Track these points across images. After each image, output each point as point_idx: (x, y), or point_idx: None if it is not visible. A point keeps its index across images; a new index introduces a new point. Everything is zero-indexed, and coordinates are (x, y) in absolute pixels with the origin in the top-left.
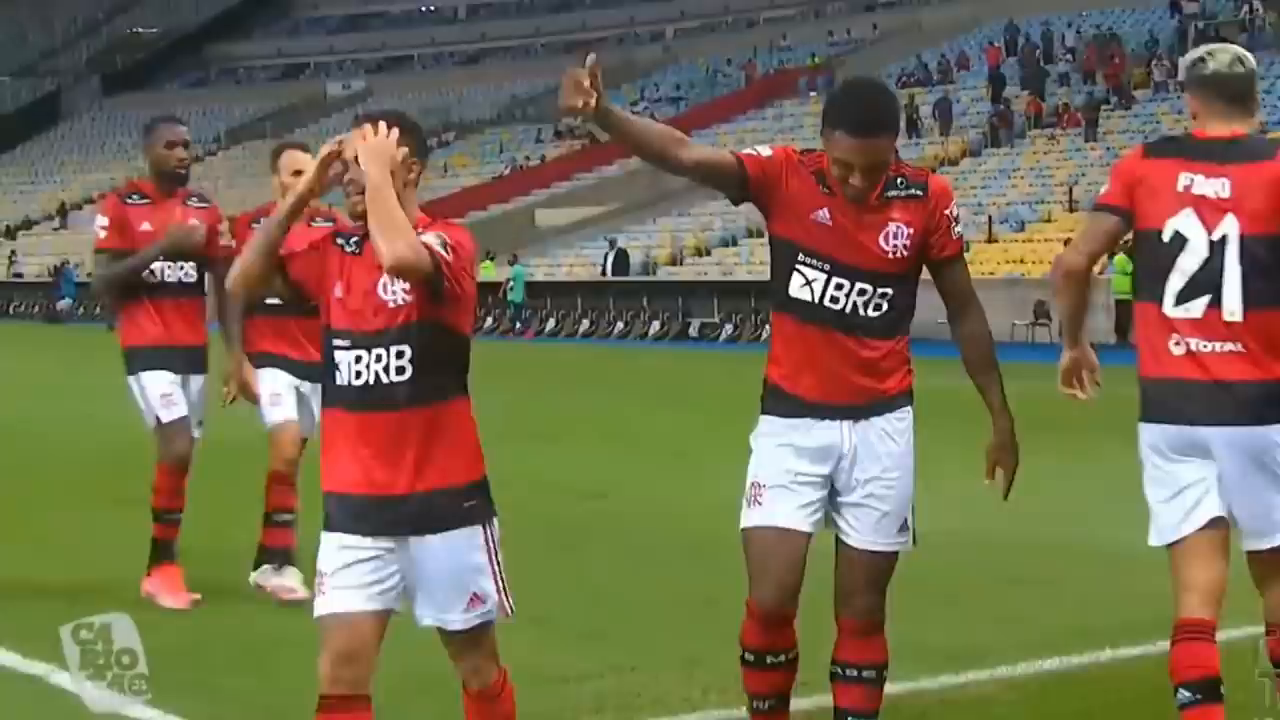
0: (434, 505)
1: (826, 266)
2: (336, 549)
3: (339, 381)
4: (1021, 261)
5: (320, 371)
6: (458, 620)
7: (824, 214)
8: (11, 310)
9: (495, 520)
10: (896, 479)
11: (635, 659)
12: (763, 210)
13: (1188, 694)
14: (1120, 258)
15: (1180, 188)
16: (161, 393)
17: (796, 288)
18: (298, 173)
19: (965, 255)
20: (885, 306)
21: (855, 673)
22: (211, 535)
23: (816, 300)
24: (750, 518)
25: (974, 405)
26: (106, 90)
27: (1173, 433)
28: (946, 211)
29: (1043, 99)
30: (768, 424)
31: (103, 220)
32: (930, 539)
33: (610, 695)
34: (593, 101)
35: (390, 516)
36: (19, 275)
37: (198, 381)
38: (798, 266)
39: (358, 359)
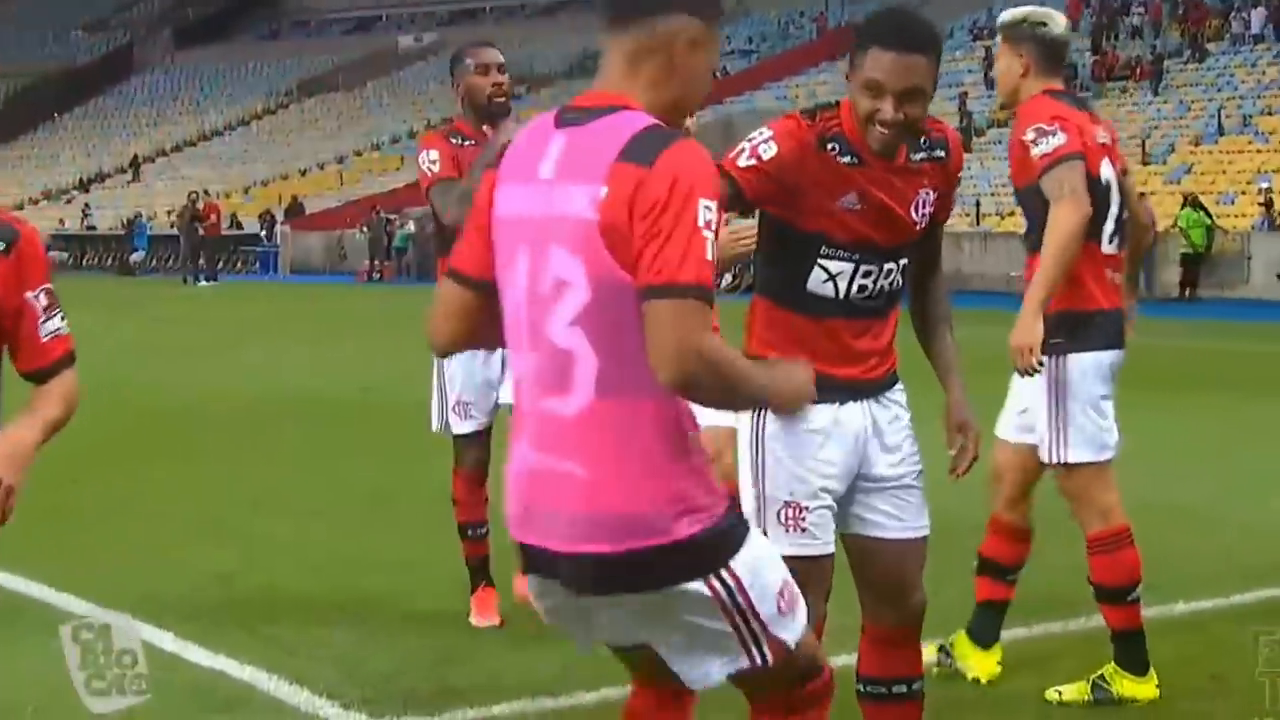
0: None
1: (856, 256)
2: None
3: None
4: None
5: None
6: None
7: (852, 199)
8: (85, 263)
9: None
10: (919, 454)
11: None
12: (777, 212)
13: (1136, 593)
14: (1187, 211)
15: (1095, 137)
16: (459, 398)
17: (817, 283)
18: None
19: None
20: (899, 280)
21: (906, 688)
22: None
23: (841, 296)
24: (790, 545)
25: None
26: (179, 43)
27: (1114, 358)
28: (959, 173)
29: (1113, 52)
30: (776, 420)
31: (431, 154)
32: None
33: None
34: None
35: None
36: (92, 228)
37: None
38: (820, 261)
39: None
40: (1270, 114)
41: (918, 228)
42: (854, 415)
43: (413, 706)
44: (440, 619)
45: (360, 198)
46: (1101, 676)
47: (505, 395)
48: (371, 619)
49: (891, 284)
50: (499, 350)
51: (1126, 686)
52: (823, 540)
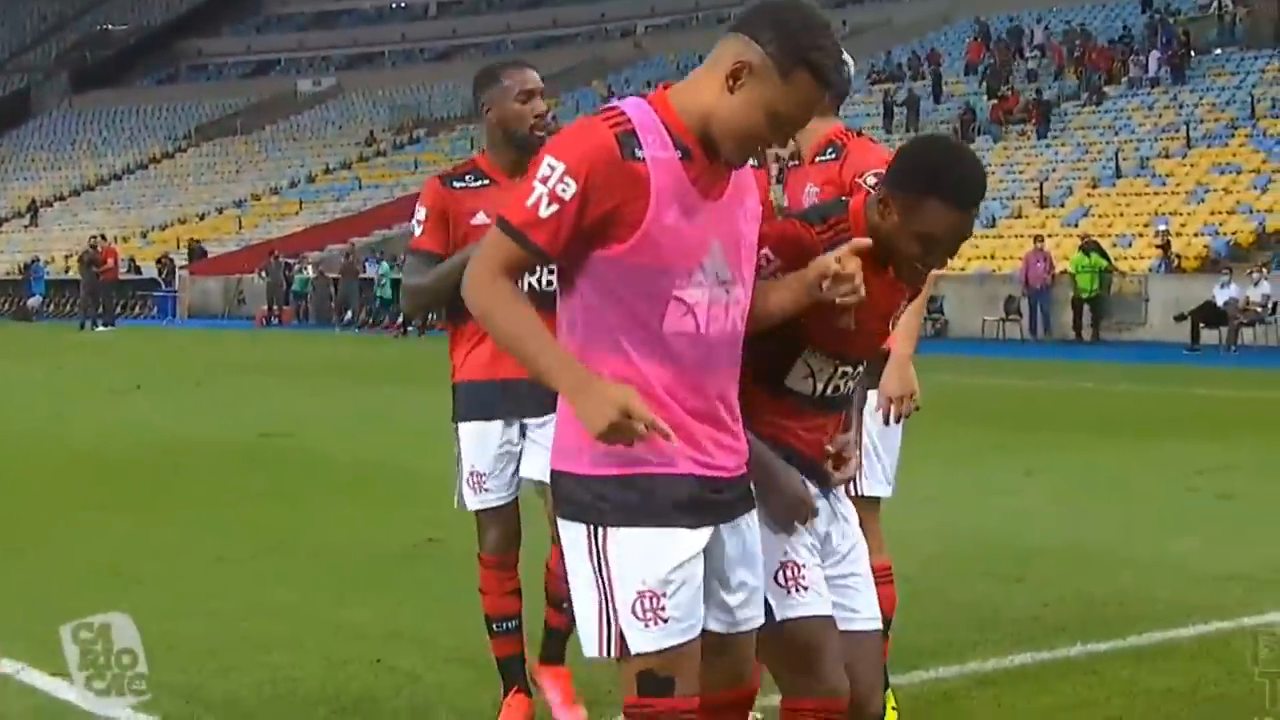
0: None
1: (835, 358)
2: None
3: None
4: (992, 257)
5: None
6: None
7: (847, 320)
8: None
9: None
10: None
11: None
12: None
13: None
14: (1078, 256)
15: None
16: (472, 469)
17: (797, 379)
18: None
19: None
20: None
21: None
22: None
23: (818, 394)
24: (795, 606)
25: (939, 399)
26: (76, 87)
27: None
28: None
29: (1013, 95)
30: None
31: (419, 213)
32: (901, 536)
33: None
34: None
35: None
36: None
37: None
38: (804, 358)
39: None
40: (1167, 156)
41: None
42: (820, 499)
43: None
44: (338, 665)
45: (259, 242)
46: None
47: (528, 469)
48: (269, 665)
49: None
50: (517, 420)
51: None
52: (827, 601)
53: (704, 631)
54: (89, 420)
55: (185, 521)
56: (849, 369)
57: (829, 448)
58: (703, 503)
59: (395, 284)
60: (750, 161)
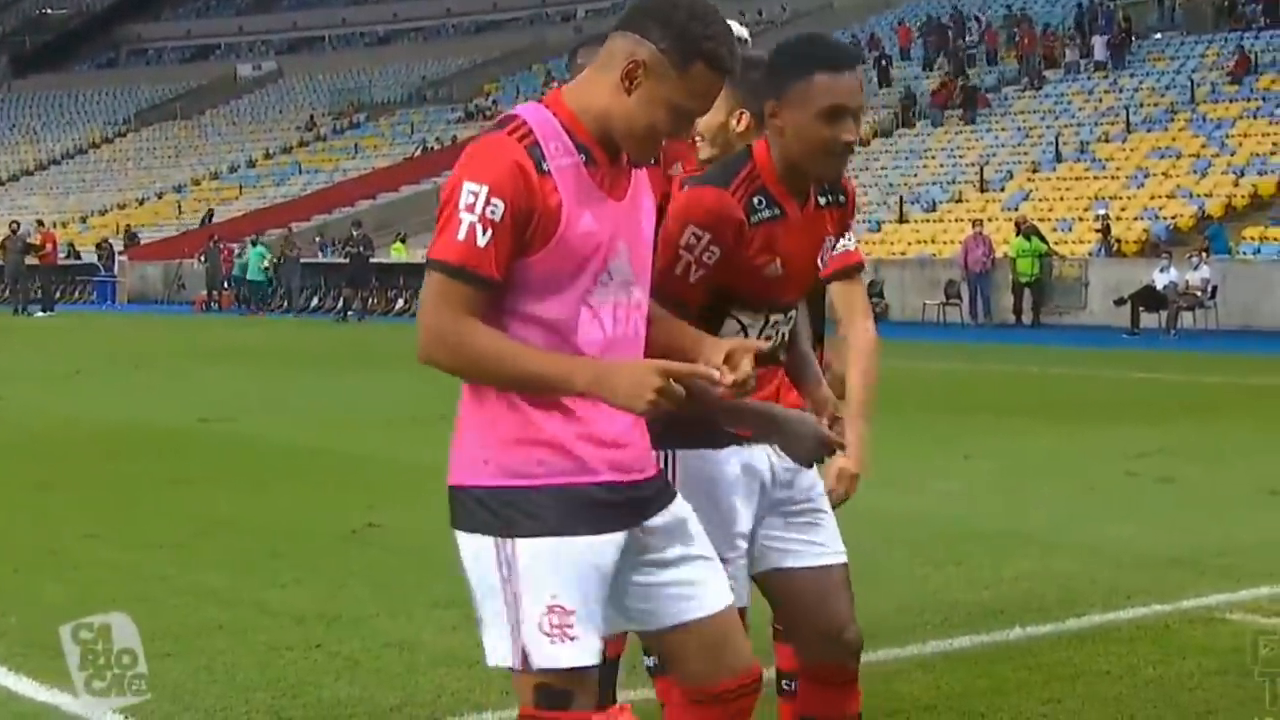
0: None
1: (765, 308)
2: None
3: None
4: (932, 241)
5: None
6: None
7: (775, 266)
8: None
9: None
10: (821, 483)
11: None
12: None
13: None
14: (1018, 240)
15: None
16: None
17: (729, 334)
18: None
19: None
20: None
21: None
22: None
23: None
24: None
25: (878, 383)
26: (15, 72)
27: None
28: (852, 220)
29: (953, 79)
30: (700, 460)
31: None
32: (839, 520)
33: None
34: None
35: None
36: None
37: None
38: (733, 314)
39: None
40: (1107, 141)
41: (820, 276)
42: (757, 456)
43: None
44: (278, 650)
45: (198, 228)
46: None
47: None
48: (208, 651)
49: (790, 330)
50: None
51: None
52: (742, 595)
53: (676, 626)
54: (27, 404)
55: (123, 505)
56: (780, 316)
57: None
58: (617, 505)
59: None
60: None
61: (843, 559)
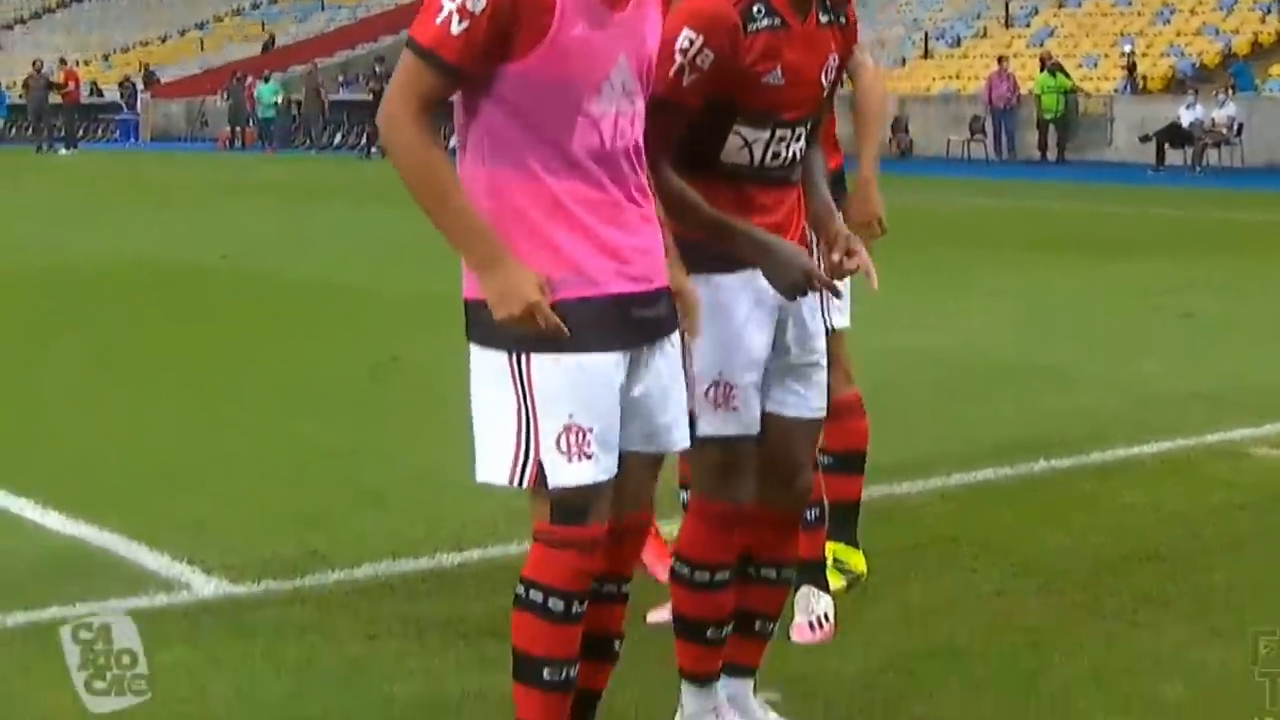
0: None
1: (771, 123)
2: None
3: None
4: (957, 77)
5: None
6: None
7: (776, 75)
8: None
9: None
10: (823, 335)
11: None
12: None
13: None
14: (1044, 76)
15: None
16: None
17: (732, 152)
18: None
19: None
20: (806, 143)
21: (774, 573)
22: None
23: (757, 163)
24: (716, 424)
25: (903, 220)
26: None
27: None
28: (855, 43)
29: None
30: (711, 287)
31: None
32: (863, 356)
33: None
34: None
35: None
36: None
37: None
38: (736, 128)
39: None
40: None
41: (825, 94)
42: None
43: (274, 570)
44: (301, 481)
45: (221, 65)
46: (836, 559)
47: None
48: (231, 483)
49: (800, 147)
50: None
51: (854, 559)
52: (754, 421)
53: (629, 453)
54: (49, 242)
55: (145, 342)
56: (785, 132)
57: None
58: (630, 322)
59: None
60: None
61: (821, 415)
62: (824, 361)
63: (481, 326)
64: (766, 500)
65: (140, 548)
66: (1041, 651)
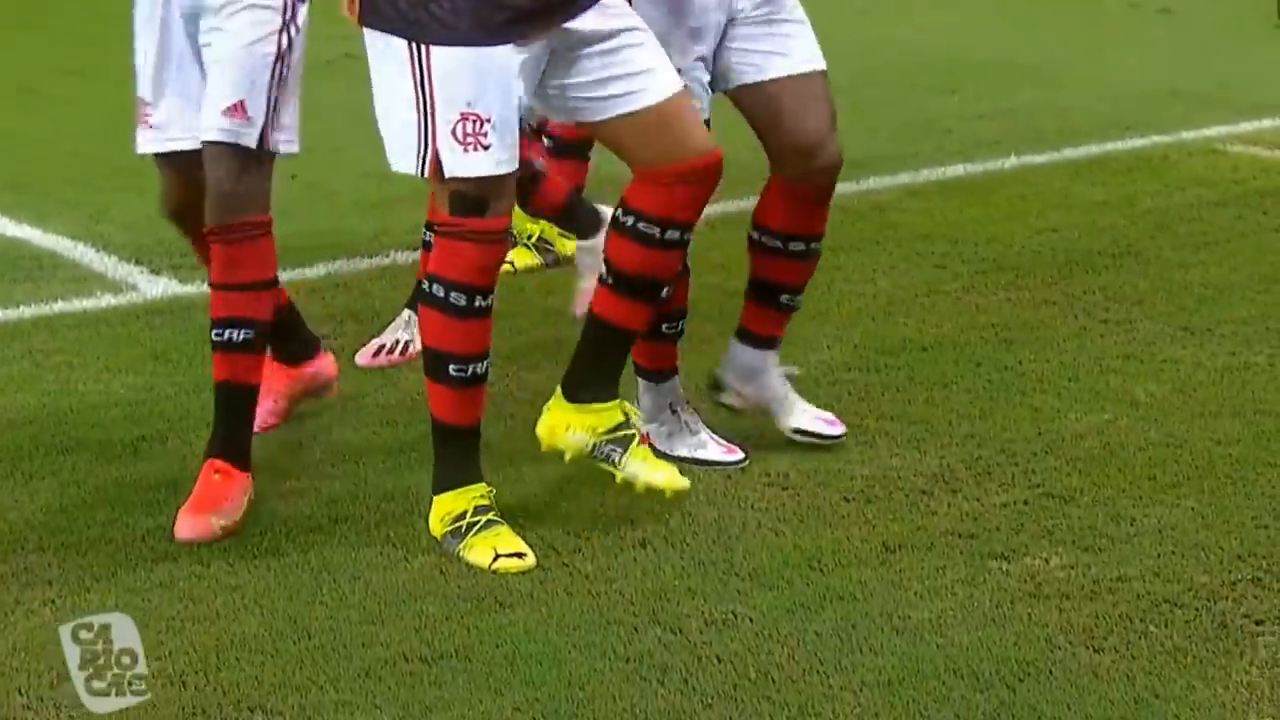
0: None
1: None
2: None
3: None
4: None
5: None
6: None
7: None
8: None
9: None
10: None
11: None
12: None
13: None
14: None
15: None
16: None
17: None
18: None
19: None
20: None
21: (804, 246)
22: None
23: None
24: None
25: None
26: None
27: None
28: None
29: None
30: None
31: None
32: (831, 50)
33: None
34: None
35: None
36: None
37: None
38: None
39: None
40: None
41: None
42: None
43: None
44: None
45: None
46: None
47: None
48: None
49: None
50: None
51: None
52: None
53: (624, 115)
54: None
55: (96, 39)
56: None
57: None
58: (534, 13)
59: None
60: None
61: (821, 67)
62: (801, 15)
63: (377, 9)
64: (791, 179)
65: (87, 249)
66: (1012, 347)
